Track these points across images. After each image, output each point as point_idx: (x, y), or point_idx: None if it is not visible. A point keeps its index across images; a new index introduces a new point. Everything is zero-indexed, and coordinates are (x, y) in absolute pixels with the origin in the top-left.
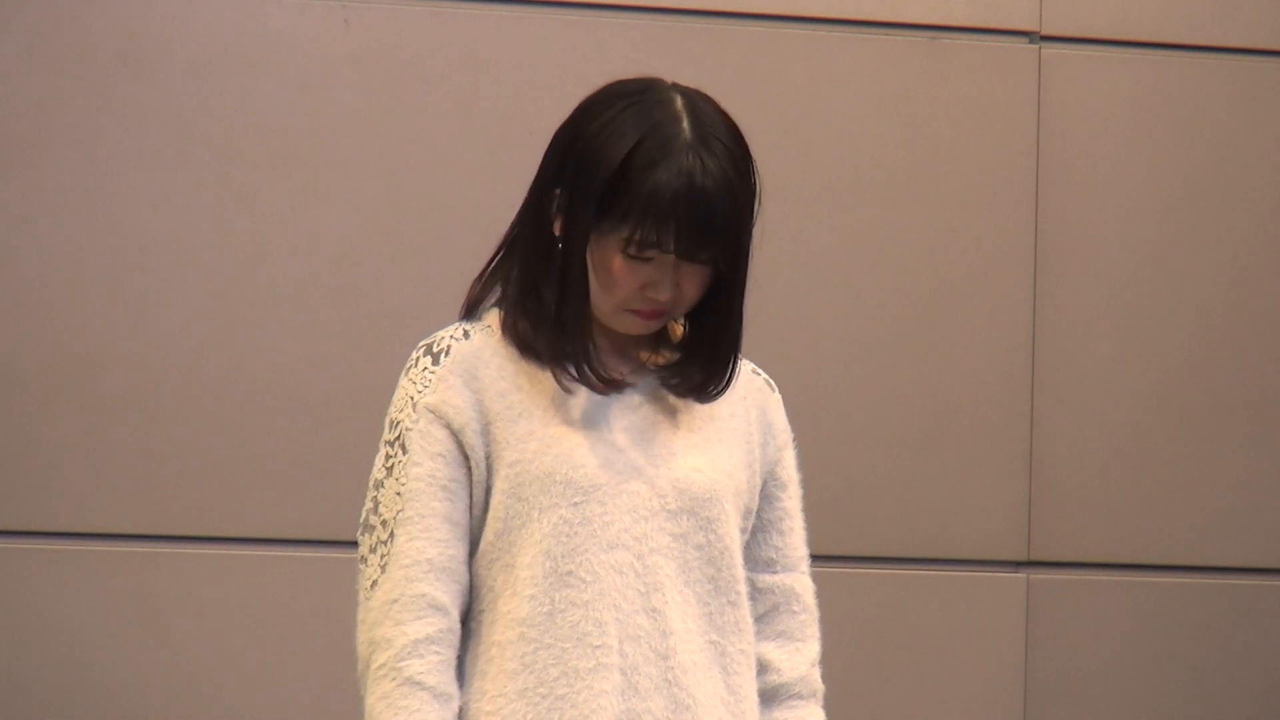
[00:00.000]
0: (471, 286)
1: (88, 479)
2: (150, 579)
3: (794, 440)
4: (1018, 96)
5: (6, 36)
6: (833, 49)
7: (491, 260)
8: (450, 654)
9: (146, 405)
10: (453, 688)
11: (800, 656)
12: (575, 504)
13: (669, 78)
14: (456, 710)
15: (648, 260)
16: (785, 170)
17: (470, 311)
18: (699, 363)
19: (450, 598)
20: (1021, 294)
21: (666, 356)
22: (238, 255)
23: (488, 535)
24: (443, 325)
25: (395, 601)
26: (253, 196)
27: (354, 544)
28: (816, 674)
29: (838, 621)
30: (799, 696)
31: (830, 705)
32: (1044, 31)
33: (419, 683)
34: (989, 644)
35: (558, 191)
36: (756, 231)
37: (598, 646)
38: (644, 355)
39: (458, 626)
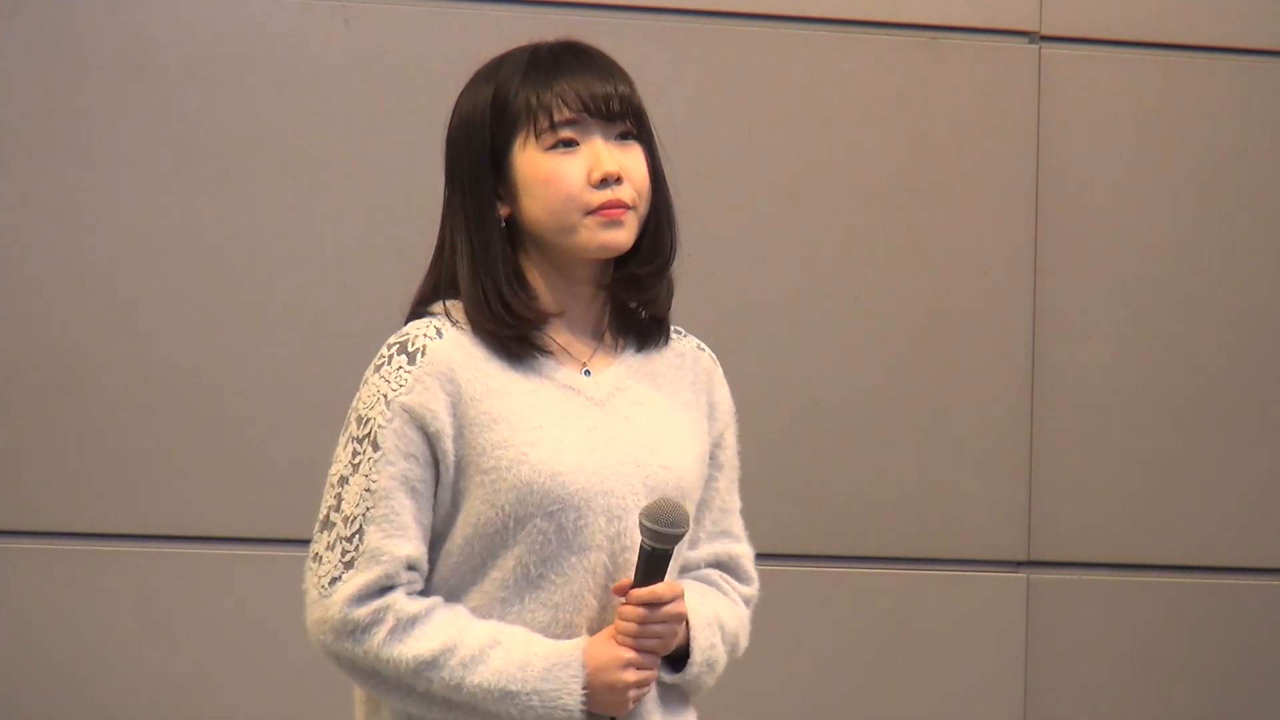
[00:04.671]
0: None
1: (88, 479)
2: (150, 579)
3: (736, 417)
4: (1018, 96)
5: (6, 36)
6: (833, 49)
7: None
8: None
9: (146, 405)
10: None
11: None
12: (550, 512)
13: (669, 78)
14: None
15: (573, 147)
16: (785, 170)
17: (420, 306)
18: (642, 258)
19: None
20: (1021, 294)
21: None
22: (237, 255)
23: (455, 537)
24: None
25: (370, 583)
26: (253, 196)
27: None
28: (741, 580)
29: (838, 621)
30: (701, 578)
31: (832, 705)
32: (1044, 31)
33: (416, 614)
34: (989, 644)
35: (462, 187)
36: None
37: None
38: (607, 337)
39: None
